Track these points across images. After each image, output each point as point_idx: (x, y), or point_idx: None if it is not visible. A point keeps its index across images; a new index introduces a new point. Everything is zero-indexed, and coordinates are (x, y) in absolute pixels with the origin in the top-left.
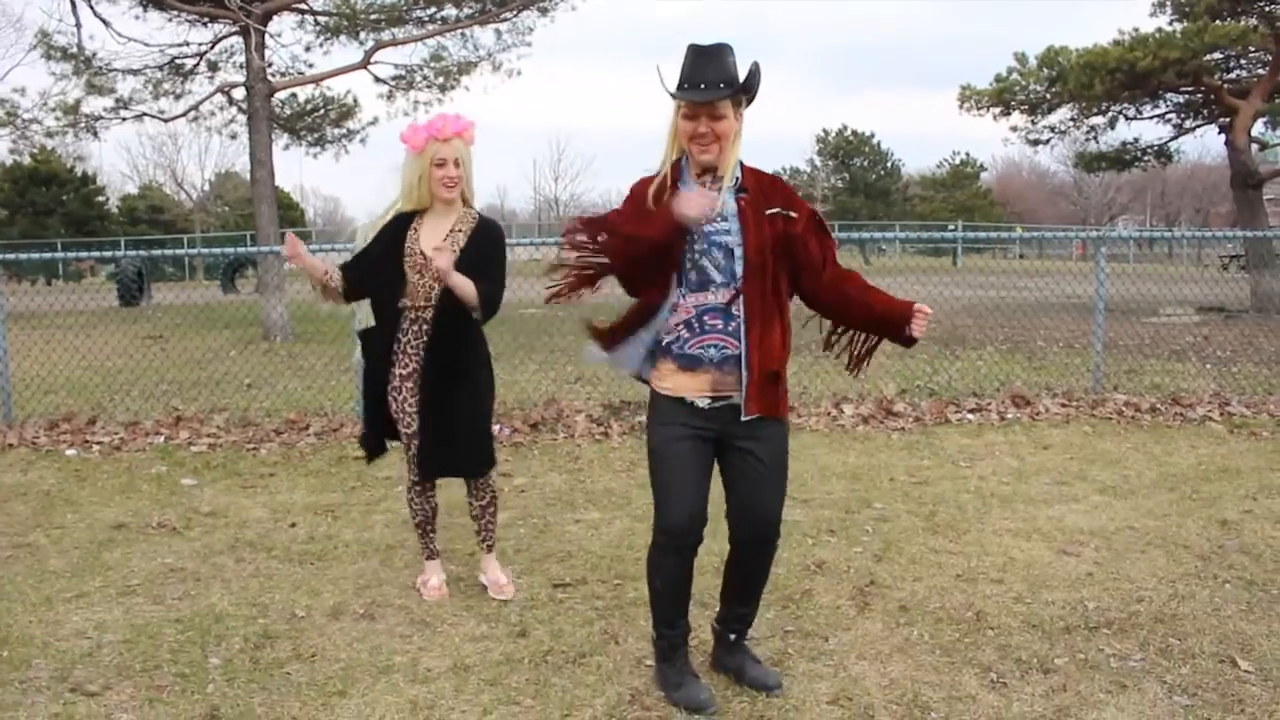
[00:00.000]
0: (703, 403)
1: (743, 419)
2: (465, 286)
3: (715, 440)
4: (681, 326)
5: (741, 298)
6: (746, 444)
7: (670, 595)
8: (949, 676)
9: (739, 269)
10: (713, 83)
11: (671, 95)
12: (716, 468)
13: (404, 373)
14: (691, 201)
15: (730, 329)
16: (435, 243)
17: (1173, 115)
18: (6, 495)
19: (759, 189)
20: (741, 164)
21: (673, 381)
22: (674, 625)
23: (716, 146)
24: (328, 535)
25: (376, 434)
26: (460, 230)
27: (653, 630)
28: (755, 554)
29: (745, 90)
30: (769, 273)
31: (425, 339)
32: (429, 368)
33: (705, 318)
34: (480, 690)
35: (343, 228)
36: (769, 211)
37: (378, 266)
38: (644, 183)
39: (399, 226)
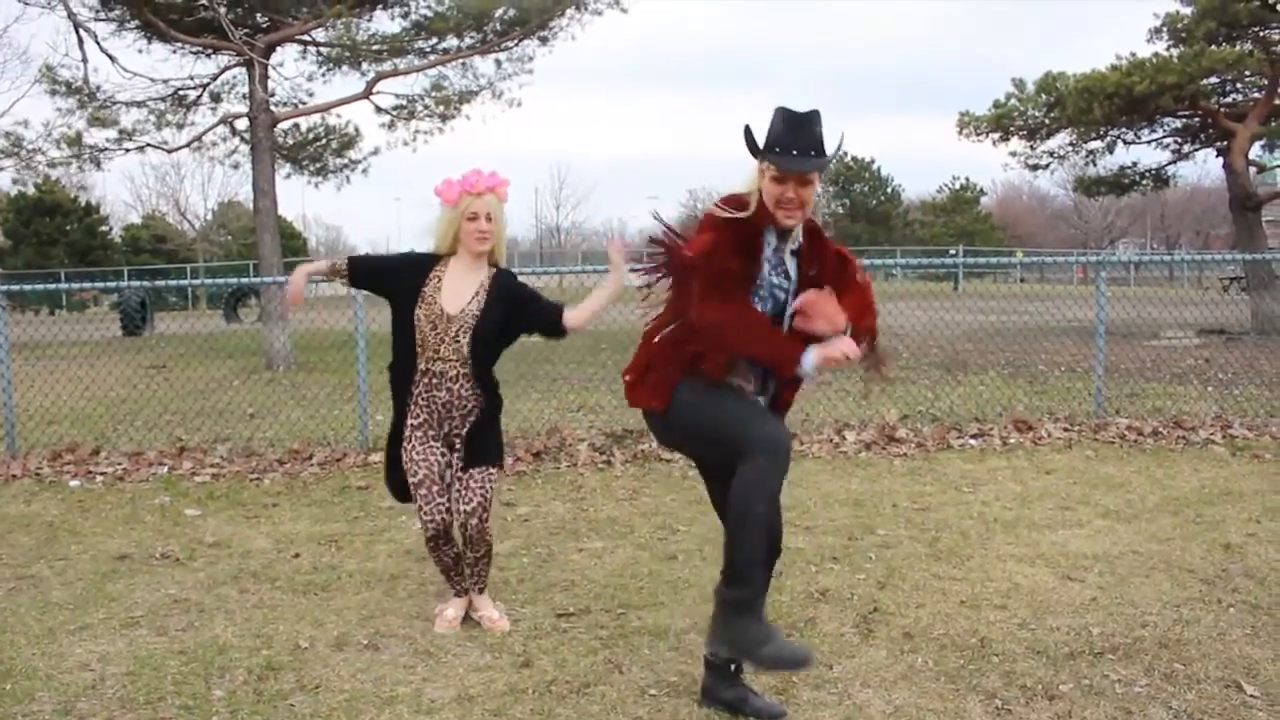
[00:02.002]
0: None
1: None
2: (593, 309)
3: None
4: None
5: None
6: None
7: (771, 524)
8: (954, 704)
9: (782, 319)
10: (805, 150)
11: (767, 159)
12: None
13: (414, 423)
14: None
15: (756, 371)
16: (458, 295)
17: (1170, 139)
18: (10, 526)
19: (810, 247)
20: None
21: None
22: (766, 566)
23: (800, 213)
24: (331, 565)
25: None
26: (484, 289)
27: (731, 587)
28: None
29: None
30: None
31: (437, 392)
32: (441, 424)
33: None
34: None
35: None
36: (810, 273)
37: (386, 277)
38: (730, 224)
39: (423, 264)
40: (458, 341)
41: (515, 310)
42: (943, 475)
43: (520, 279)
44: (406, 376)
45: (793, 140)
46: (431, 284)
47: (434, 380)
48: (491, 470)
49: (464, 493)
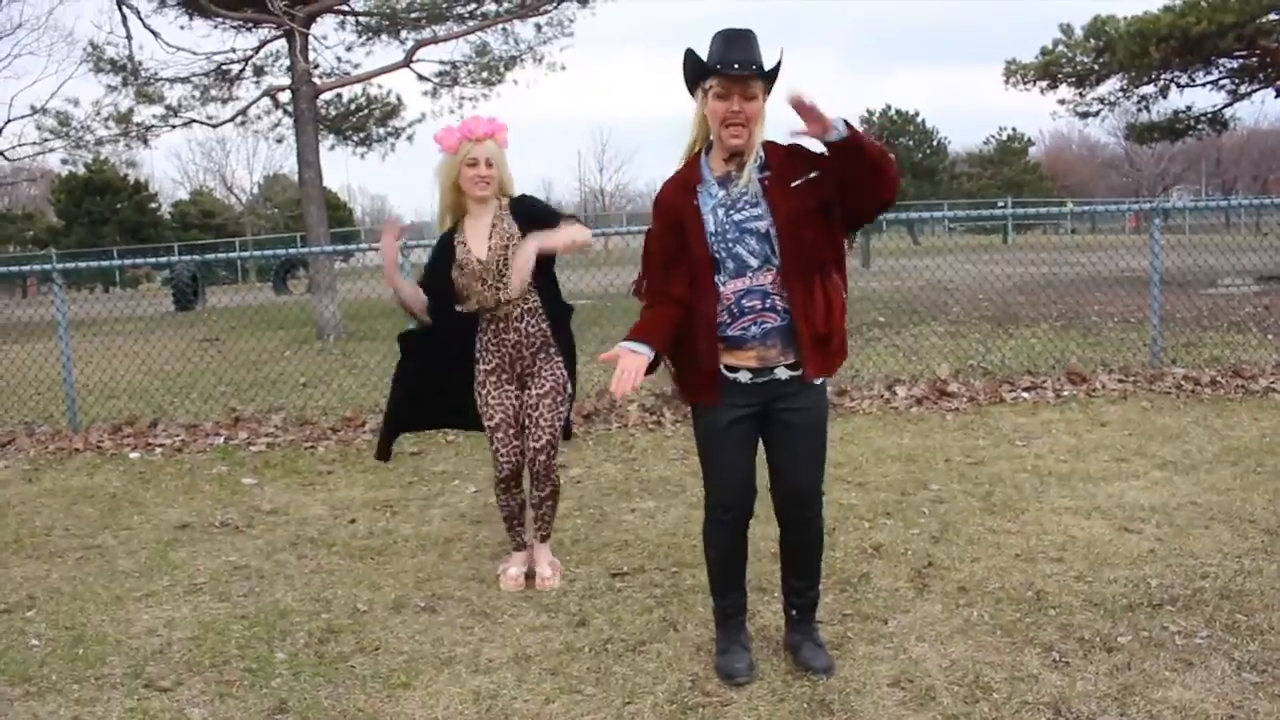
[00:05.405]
0: (745, 377)
1: (801, 384)
2: (560, 239)
3: (759, 415)
4: (723, 313)
5: (780, 275)
6: (787, 416)
7: (723, 565)
8: (1010, 657)
9: (774, 247)
10: (745, 63)
11: (709, 70)
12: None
13: (487, 369)
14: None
15: (767, 305)
16: (482, 241)
17: (1227, 81)
18: (75, 498)
19: (781, 163)
20: (765, 142)
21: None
22: (725, 595)
23: (746, 131)
24: (387, 530)
25: (393, 433)
26: (500, 220)
27: (711, 597)
28: (796, 525)
29: (771, 77)
30: (804, 241)
31: (505, 335)
32: (513, 364)
33: (743, 301)
34: (542, 679)
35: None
36: (794, 184)
37: (435, 279)
38: (668, 191)
39: (444, 247)
40: (505, 279)
41: (537, 226)
42: (995, 429)
43: (537, 198)
44: (460, 330)
45: (733, 55)
46: (460, 249)
47: (501, 324)
48: (561, 409)
49: (533, 429)
